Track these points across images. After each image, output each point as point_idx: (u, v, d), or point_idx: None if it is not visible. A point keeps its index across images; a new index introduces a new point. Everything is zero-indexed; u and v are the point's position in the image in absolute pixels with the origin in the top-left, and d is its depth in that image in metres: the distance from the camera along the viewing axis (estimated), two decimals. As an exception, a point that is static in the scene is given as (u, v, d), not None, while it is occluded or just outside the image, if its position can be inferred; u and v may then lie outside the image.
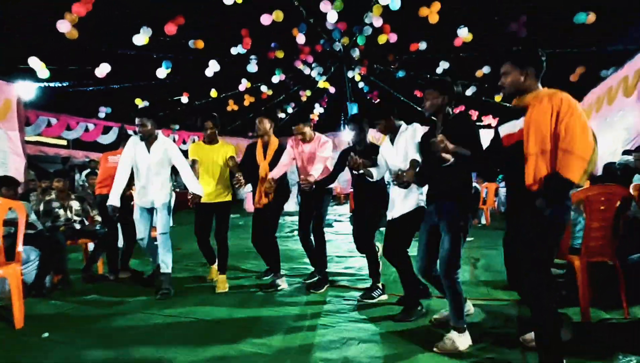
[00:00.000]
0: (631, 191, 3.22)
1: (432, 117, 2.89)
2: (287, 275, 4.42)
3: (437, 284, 2.98)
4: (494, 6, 8.20)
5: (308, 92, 13.54)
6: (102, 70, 8.72)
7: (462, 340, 2.60)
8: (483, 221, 9.49)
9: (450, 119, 2.77)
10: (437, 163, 2.63)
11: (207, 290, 4.08)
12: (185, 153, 4.32)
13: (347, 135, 11.98)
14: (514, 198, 2.37)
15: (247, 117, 13.66)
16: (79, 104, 11.50)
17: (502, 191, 11.27)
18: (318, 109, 14.74)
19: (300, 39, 8.83)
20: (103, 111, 12.12)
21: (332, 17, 7.79)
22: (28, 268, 4.00)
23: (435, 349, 2.57)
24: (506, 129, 2.38)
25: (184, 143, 14.45)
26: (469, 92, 12.40)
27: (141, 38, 7.51)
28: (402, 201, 3.18)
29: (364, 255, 3.82)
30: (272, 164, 4.12)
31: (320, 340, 2.77)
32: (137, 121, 3.85)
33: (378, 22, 8.36)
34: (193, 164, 4.18)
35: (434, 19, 7.77)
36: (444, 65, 10.93)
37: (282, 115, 14.94)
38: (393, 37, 9.55)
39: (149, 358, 2.53)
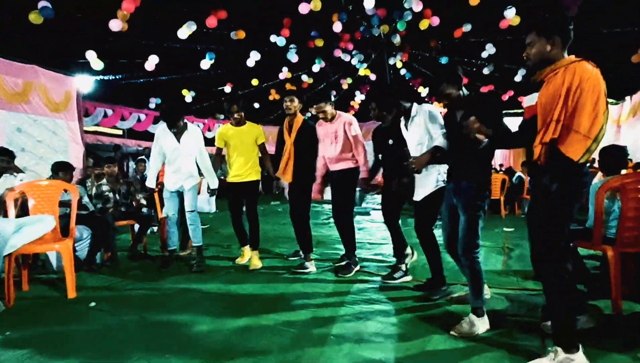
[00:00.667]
0: (674, 178, 3.00)
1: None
2: (317, 260, 4.55)
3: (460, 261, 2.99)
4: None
5: (349, 80, 13.48)
6: (151, 62, 9.22)
7: (480, 324, 2.61)
8: (527, 210, 9.12)
9: (470, 100, 2.78)
10: (463, 145, 2.69)
11: (240, 269, 4.31)
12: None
13: (403, 128, 11.80)
14: (531, 173, 2.31)
15: (304, 100, 13.81)
16: (131, 96, 12.21)
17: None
18: (359, 97, 14.65)
19: (337, 27, 8.81)
20: (153, 102, 12.78)
21: (369, 3, 7.71)
22: (81, 245, 4.41)
23: (452, 332, 2.59)
24: (528, 101, 2.31)
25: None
26: (518, 77, 11.83)
27: (185, 32, 7.84)
28: (423, 183, 3.27)
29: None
30: (297, 141, 4.19)
31: (337, 318, 2.88)
32: (168, 126, 4.23)
33: (418, 7, 8.17)
34: (219, 152, 4.52)
35: (474, 1, 7.46)
36: (489, 49, 10.48)
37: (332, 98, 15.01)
38: (435, 21, 9.27)
39: (178, 323, 2.77)
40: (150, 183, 4.43)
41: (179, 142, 4.26)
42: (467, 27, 9.63)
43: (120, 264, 4.53)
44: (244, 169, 4.41)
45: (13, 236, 3.15)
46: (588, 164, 2.15)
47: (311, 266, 4.20)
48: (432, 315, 2.93)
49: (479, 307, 2.66)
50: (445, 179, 3.08)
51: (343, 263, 4.29)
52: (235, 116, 4.38)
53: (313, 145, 4.28)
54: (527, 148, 2.26)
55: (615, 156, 3.33)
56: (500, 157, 16.10)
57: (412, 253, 3.97)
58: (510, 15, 8.58)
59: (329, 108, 4.09)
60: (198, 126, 15.28)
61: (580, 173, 2.09)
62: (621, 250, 2.92)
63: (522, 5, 8.33)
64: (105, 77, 9.73)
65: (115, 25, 6.97)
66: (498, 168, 13.16)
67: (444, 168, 3.19)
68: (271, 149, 4.99)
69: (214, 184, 4.50)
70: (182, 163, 4.28)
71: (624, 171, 3.57)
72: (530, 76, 2.34)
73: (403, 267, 3.79)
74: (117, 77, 10.16)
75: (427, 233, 3.33)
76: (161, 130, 4.30)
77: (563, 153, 2.03)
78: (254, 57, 10.10)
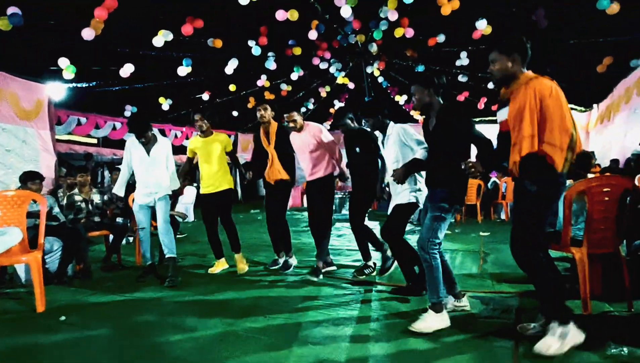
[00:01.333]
0: (636, 182, 3.13)
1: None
2: (295, 267, 4.54)
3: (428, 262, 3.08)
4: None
5: (327, 88, 13.58)
6: (126, 70, 9.06)
7: (438, 320, 2.69)
8: (502, 216, 9.32)
9: (441, 109, 2.87)
10: (436, 154, 2.91)
11: (215, 278, 4.25)
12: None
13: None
14: (515, 179, 2.55)
15: (276, 108, 13.81)
16: (106, 104, 11.96)
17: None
18: (338, 105, 14.76)
19: (313, 34, 8.88)
20: (129, 110, 12.55)
21: (346, 12, 7.81)
22: (52, 257, 4.27)
23: (410, 327, 2.68)
24: (500, 116, 2.55)
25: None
26: (490, 85, 12.15)
27: (160, 40, 7.76)
28: (397, 195, 3.50)
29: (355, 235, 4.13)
30: (277, 147, 4.33)
31: (313, 323, 2.89)
32: (136, 136, 4.19)
33: (394, 16, 8.32)
34: (189, 161, 4.53)
35: (446, 11, 7.64)
36: (463, 57, 10.73)
37: (302, 110, 15.09)
38: (410, 31, 9.45)
39: (151, 334, 2.70)
40: (119, 190, 4.36)
41: (148, 154, 4.20)
42: (441, 38, 9.85)
43: (93, 275, 4.40)
44: (214, 179, 4.41)
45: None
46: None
47: (293, 261, 4.56)
48: (410, 319, 2.95)
49: (436, 303, 2.73)
50: (417, 198, 3.40)
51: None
52: (199, 124, 4.36)
53: (290, 147, 4.40)
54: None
55: (581, 161, 3.45)
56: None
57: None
58: (482, 27, 8.83)
59: (298, 118, 4.24)
60: (176, 134, 15.08)
61: (556, 176, 2.30)
62: (589, 251, 3.01)
63: (493, 17, 8.58)
64: (79, 85, 9.51)
65: (88, 34, 6.84)
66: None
67: (421, 186, 3.41)
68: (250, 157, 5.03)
69: (174, 186, 4.38)
70: (152, 174, 4.22)
71: (590, 175, 3.71)
72: (497, 89, 2.58)
73: (372, 264, 4.10)
74: (91, 84, 9.94)
75: (395, 240, 3.48)
76: (131, 141, 4.25)
77: (546, 163, 2.26)
78: (232, 65, 10.07)
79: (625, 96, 9.49)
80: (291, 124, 4.25)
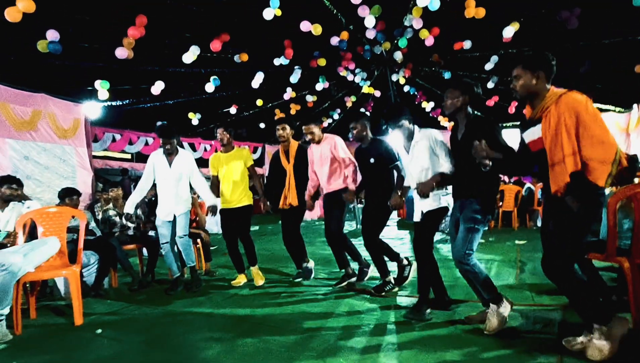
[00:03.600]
0: (687, 186, 2.93)
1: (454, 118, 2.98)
2: (324, 278, 4.51)
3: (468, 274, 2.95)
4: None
5: (353, 98, 13.56)
6: (157, 88, 9.36)
7: (504, 308, 2.78)
8: (539, 223, 8.96)
9: (472, 120, 2.80)
10: (465, 163, 2.73)
11: (246, 290, 4.26)
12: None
13: (393, 138, 11.83)
14: (548, 195, 2.47)
15: (295, 125, 13.96)
16: (138, 120, 12.37)
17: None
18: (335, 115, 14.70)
19: (335, 40, 8.88)
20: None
21: (369, 22, 7.80)
22: (89, 270, 4.39)
23: (485, 332, 2.72)
24: (529, 136, 2.51)
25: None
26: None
27: (190, 56, 7.97)
28: (426, 202, 3.22)
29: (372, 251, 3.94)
30: (296, 166, 4.35)
31: (337, 335, 2.81)
32: (162, 140, 4.19)
33: (418, 24, 8.25)
34: (215, 181, 4.52)
35: (479, 13, 7.48)
36: (492, 60, 10.49)
37: (329, 121, 15.14)
38: (431, 40, 9.32)
39: (185, 347, 2.71)
40: (130, 208, 4.29)
41: (170, 166, 4.24)
42: (467, 44, 9.67)
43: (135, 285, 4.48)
44: (235, 195, 4.43)
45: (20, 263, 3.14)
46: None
47: (311, 264, 4.59)
48: (444, 334, 2.85)
49: (495, 296, 2.79)
50: (448, 201, 3.21)
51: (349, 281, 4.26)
52: (220, 137, 4.40)
53: (307, 168, 4.40)
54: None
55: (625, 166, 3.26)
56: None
57: (410, 263, 4.03)
58: (509, 35, 8.60)
59: (316, 130, 4.20)
60: (205, 147, 15.40)
61: (599, 193, 2.24)
62: (638, 261, 2.83)
63: (522, 19, 8.35)
64: (113, 103, 9.89)
65: (121, 52, 7.11)
66: (507, 180, 13.01)
67: (449, 189, 3.22)
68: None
69: (212, 202, 4.38)
70: (173, 188, 4.25)
71: (636, 180, 3.50)
72: (520, 104, 2.52)
73: (391, 279, 3.90)
74: (125, 102, 10.32)
75: (425, 253, 3.22)
76: (155, 154, 4.33)
77: (589, 180, 2.18)
78: (258, 79, 10.22)
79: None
80: (309, 137, 4.23)
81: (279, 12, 7.38)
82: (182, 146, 4.54)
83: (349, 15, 8.48)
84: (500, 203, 8.84)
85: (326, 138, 4.24)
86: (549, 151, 2.31)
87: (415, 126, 3.32)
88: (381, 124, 3.69)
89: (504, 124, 13.44)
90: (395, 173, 3.80)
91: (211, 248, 5.61)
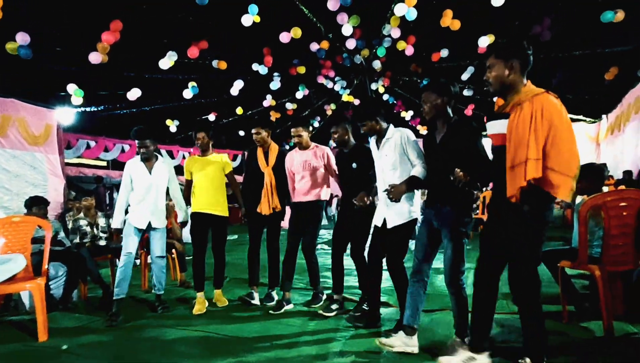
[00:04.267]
0: (654, 195, 3.01)
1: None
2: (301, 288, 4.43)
3: (416, 287, 2.83)
4: (516, 9, 8.01)
5: (333, 106, 13.62)
6: (133, 94, 9.20)
7: (463, 347, 2.58)
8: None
9: (453, 122, 2.69)
10: (443, 168, 2.64)
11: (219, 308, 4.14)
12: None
13: (373, 146, 11.90)
14: (498, 198, 2.35)
15: (274, 133, 13.93)
16: (114, 127, 12.14)
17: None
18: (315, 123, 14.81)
19: (315, 47, 8.90)
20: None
21: (347, 30, 7.86)
22: (57, 283, 4.22)
23: (441, 359, 2.52)
24: (492, 128, 2.36)
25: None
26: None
27: (166, 62, 7.87)
28: (393, 211, 3.06)
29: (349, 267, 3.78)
30: (275, 169, 4.12)
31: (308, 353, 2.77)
32: (138, 143, 3.89)
33: (396, 33, 8.36)
34: (189, 184, 4.21)
35: (455, 25, 7.65)
36: (469, 70, 10.72)
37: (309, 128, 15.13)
38: (410, 50, 9.46)
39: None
40: (117, 223, 3.96)
41: (150, 173, 3.99)
42: (444, 53, 9.86)
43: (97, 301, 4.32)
44: (211, 200, 4.12)
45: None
46: None
47: (276, 296, 4.14)
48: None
49: (464, 332, 2.64)
50: (415, 211, 3.04)
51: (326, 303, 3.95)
52: (199, 143, 4.13)
53: (284, 172, 4.17)
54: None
55: (594, 175, 3.34)
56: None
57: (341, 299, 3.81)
58: (485, 44, 8.81)
59: (305, 134, 4.00)
60: (184, 155, 15.17)
61: (550, 200, 2.15)
62: (608, 269, 2.89)
63: (496, 30, 8.57)
64: (87, 109, 9.66)
65: (95, 57, 6.95)
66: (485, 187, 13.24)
67: (417, 200, 3.11)
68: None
69: (184, 217, 4.22)
70: (152, 196, 3.98)
71: (605, 189, 3.59)
72: (491, 98, 2.39)
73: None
74: (99, 108, 10.09)
75: (400, 265, 3.08)
76: (131, 162, 4.02)
77: (547, 191, 2.08)
78: (237, 86, 10.17)
79: (635, 105, 9.36)
80: (296, 139, 4.02)
81: (257, 19, 7.36)
82: (160, 154, 4.28)
83: (329, 24, 8.53)
84: (477, 210, 8.95)
85: (315, 147, 4.07)
86: (511, 150, 2.13)
87: (390, 125, 3.20)
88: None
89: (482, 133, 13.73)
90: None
91: (187, 258, 5.48)
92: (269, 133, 4.20)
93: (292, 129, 4.05)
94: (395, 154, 3.04)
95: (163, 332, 3.34)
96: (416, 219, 3.06)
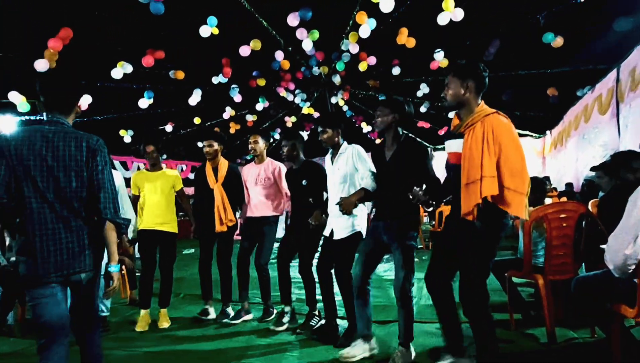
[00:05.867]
0: (589, 207, 3.22)
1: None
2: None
3: (361, 298, 2.92)
4: (466, 31, 8.43)
5: (293, 118, 13.66)
6: (84, 101, 8.79)
7: (407, 357, 2.72)
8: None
9: (402, 140, 2.83)
10: (392, 184, 2.77)
11: (176, 323, 3.99)
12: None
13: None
14: (455, 212, 2.42)
15: (234, 145, 13.78)
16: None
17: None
18: (304, 134, 14.85)
19: (279, 56, 8.93)
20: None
21: (307, 45, 7.95)
22: (-9, 305, 3.90)
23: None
24: (450, 146, 2.47)
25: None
26: (451, 114, 12.57)
27: (119, 71, 7.61)
28: (339, 224, 3.15)
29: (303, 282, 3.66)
30: (225, 186, 4.03)
31: None
32: None
33: (355, 49, 8.54)
34: (135, 200, 4.07)
35: (410, 43, 7.93)
36: (423, 87, 11.12)
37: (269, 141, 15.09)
38: (372, 61, 9.71)
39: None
40: None
41: None
42: (396, 71, 10.17)
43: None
44: (158, 216, 3.95)
45: None
46: None
47: (231, 312, 4.01)
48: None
49: (408, 342, 2.76)
50: (359, 225, 3.13)
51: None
52: (153, 158, 4.00)
53: (240, 189, 4.12)
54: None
55: (536, 188, 3.52)
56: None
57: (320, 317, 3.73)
58: (440, 58, 9.19)
59: (261, 143, 3.98)
60: (139, 166, 14.62)
61: (504, 217, 2.24)
62: (550, 278, 3.04)
63: (448, 49, 8.97)
64: (32, 117, 9.11)
65: (42, 65, 6.61)
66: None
67: (362, 213, 3.21)
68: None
69: (132, 234, 4.08)
70: None
71: (548, 200, 3.79)
72: (446, 114, 2.51)
73: (317, 313, 3.65)
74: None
75: (347, 276, 3.12)
76: None
77: (501, 209, 2.15)
78: (196, 96, 9.98)
79: (575, 122, 10.05)
80: (251, 146, 3.97)
81: (216, 31, 7.29)
82: (113, 165, 4.03)
83: (288, 37, 8.59)
84: (433, 223, 9.17)
85: (270, 162, 4.04)
86: (466, 169, 2.22)
87: (344, 141, 3.31)
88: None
89: (435, 146, 14.21)
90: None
91: (137, 274, 5.24)
92: (221, 148, 4.10)
93: (251, 137, 4.02)
94: (346, 169, 3.16)
95: (108, 353, 3.16)
96: (360, 232, 3.14)
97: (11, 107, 7.79)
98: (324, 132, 3.26)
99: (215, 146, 4.05)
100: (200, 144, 13.98)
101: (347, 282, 3.09)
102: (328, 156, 3.37)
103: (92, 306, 2.08)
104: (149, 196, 3.99)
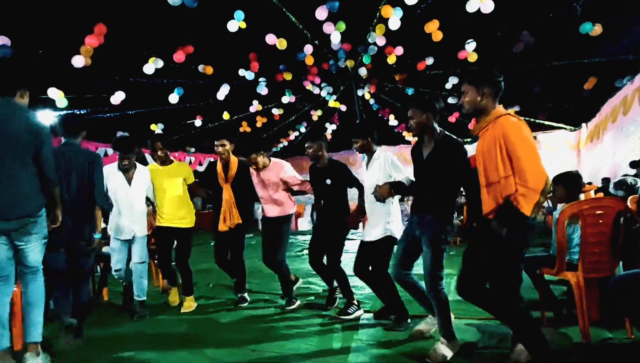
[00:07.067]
0: (629, 203, 3.10)
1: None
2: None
3: (409, 288, 3.08)
4: (497, 20, 8.18)
5: (319, 112, 13.65)
6: (117, 98, 9.08)
7: (450, 348, 2.70)
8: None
9: (439, 139, 2.83)
10: (428, 182, 2.83)
11: (204, 312, 4.11)
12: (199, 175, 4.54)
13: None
14: (476, 218, 2.48)
15: (236, 140, 13.92)
16: (97, 131, 11.93)
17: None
18: (330, 128, 14.83)
19: (308, 49, 8.92)
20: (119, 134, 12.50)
21: (335, 38, 7.93)
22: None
23: (428, 360, 2.63)
24: (471, 149, 2.55)
25: (200, 164, 14.78)
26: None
27: (151, 67, 7.80)
28: (373, 228, 3.38)
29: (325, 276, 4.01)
30: (234, 186, 4.09)
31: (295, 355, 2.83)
32: (120, 155, 3.86)
33: (381, 41, 8.44)
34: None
35: (437, 36, 7.78)
36: (453, 80, 10.88)
37: (295, 134, 15.18)
38: (399, 51, 9.57)
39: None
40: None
41: (129, 184, 3.90)
42: (429, 61, 9.99)
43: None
44: (176, 212, 4.07)
45: None
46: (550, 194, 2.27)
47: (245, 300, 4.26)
48: (400, 350, 2.85)
49: (449, 333, 2.74)
50: (391, 229, 3.31)
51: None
52: (159, 153, 4.07)
53: (251, 187, 4.17)
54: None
55: (571, 183, 3.41)
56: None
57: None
58: (470, 49, 8.96)
59: (260, 159, 4.00)
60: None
61: (527, 219, 2.19)
62: (585, 276, 2.95)
63: (478, 41, 8.74)
64: (70, 113, 9.48)
65: (79, 61, 6.85)
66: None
67: (396, 218, 3.37)
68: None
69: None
70: (132, 206, 3.89)
71: (582, 196, 3.67)
72: (464, 120, 2.55)
73: (355, 302, 3.75)
74: (82, 112, 9.92)
75: (385, 276, 3.32)
76: (109, 170, 3.86)
77: (513, 207, 2.16)
78: (223, 91, 10.12)
79: (612, 115, 9.64)
80: (253, 167, 4.05)
81: (243, 25, 7.36)
82: (144, 159, 4.20)
83: (315, 30, 8.57)
84: (461, 217, 9.04)
85: (272, 165, 4.09)
86: (483, 170, 2.31)
87: (378, 147, 3.49)
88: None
89: (465, 140, 13.92)
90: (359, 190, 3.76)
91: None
92: (232, 147, 4.14)
93: (247, 159, 4.00)
94: (379, 174, 3.32)
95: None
96: (393, 237, 3.31)
97: (50, 104, 8.12)
98: (355, 142, 3.46)
99: (228, 145, 4.08)
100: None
101: (386, 281, 3.30)
102: (364, 161, 3.57)
103: (85, 263, 3.39)
104: (166, 192, 4.07)
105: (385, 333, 3.24)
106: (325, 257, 3.84)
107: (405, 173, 3.25)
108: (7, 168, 2.56)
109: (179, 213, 4.08)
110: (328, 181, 3.71)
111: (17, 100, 2.74)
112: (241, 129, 13.54)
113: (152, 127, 12.07)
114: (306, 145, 3.82)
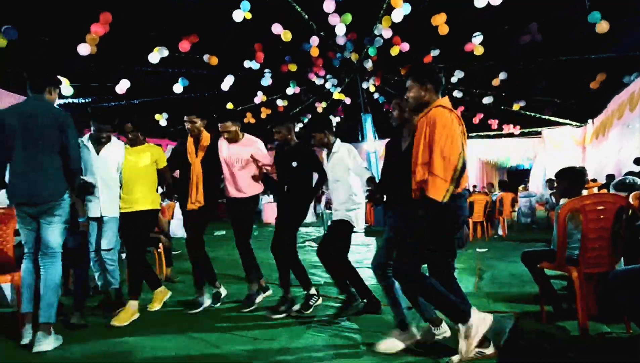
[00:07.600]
0: (630, 200, 3.10)
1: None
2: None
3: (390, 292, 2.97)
4: (505, 14, 8.11)
5: (324, 104, 13.65)
6: (122, 86, 9.11)
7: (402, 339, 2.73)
8: (500, 232, 9.25)
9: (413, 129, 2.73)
10: (407, 174, 2.71)
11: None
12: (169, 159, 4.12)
13: (367, 146, 11.96)
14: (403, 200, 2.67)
15: (265, 129, 13.95)
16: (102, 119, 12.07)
17: (523, 201, 10.99)
18: (335, 120, 14.83)
19: (314, 41, 8.88)
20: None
21: (340, 30, 7.90)
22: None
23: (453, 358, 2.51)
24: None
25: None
26: (486, 100, 12.19)
27: (156, 56, 7.81)
28: (334, 211, 3.62)
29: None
30: (205, 162, 3.79)
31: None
32: (96, 127, 3.52)
33: (387, 34, 8.40)
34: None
35: (443, 30, 7.73)
36: (459, 74, 10.84)
37: (299, 125, 15.19)
38: (405, 47, 9.54)
39: None
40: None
41: (98, 154, 3.50)
42: (435, 52, 9.95)
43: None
44: (133, 195, 3.65)
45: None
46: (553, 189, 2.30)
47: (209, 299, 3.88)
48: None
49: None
50: (351, 217, 3.49)
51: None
52: (129, 135, 3.72)
53: (219, 165, 3.89)
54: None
55: (574, 178, 3.41)
56: (475, 178, 16.42)
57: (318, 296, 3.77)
58: (477, 42, 8.92)
59: (233, 128, 3.74)
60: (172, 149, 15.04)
61: (441, 205, 2.33)
62: (585, 271, 2.96)
63: (486, 34, 8.68)
64: (75, 100, 9.53)
65: (84, 49, 6.88)
66: (472, 189, 13.36)
67: (360, 211, 3.56)
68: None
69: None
70: (98, 179, 3.50)
71: (585, 192, 3.67)
72: (413, 113, 2.68)
73: (314, 291, 3.66)
74: (87, 100, 9.98)
75: (343, 259, 3.51)
76: (83, 142, 3.49)
77: (427, 195, 2.34)
78: (228, 81, 10.14)
79: (618, 111, 9.59)
80: (225, 135, 3.78)
81: (249, 16, 7.35)
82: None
83: (320, 22, 8.55)
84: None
85: (246, 140, 3.85)
86: (413, 157, 2.50)
87: (337, 140, 3.62)
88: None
89: (468, 135, 13.87)
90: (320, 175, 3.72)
91: (174, 253, 5.47)
92: (203, 123, 3.85)
93: (219, 125, 3.77)
94: (339, 168, 3.52)
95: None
96: (349, 223, 3.50)
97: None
98: (312, 138, 3.63)
99: (198, 121, 3.79)
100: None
101: (342, 266, 3.49)
102: (324, 154, 3.68)
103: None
104: (127, 174, 3.70)
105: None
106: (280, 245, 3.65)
107: (363, 164, 3.48)
108: (35, 159, 2.93)
109: (137, 197, 3.68)
110: (294, 164, 3.59)
111: (46, 97, 3.05)
112: (245, 120, 13.57)
113: (157, 117, 12.12)
114: (274, 129, 3.68)
